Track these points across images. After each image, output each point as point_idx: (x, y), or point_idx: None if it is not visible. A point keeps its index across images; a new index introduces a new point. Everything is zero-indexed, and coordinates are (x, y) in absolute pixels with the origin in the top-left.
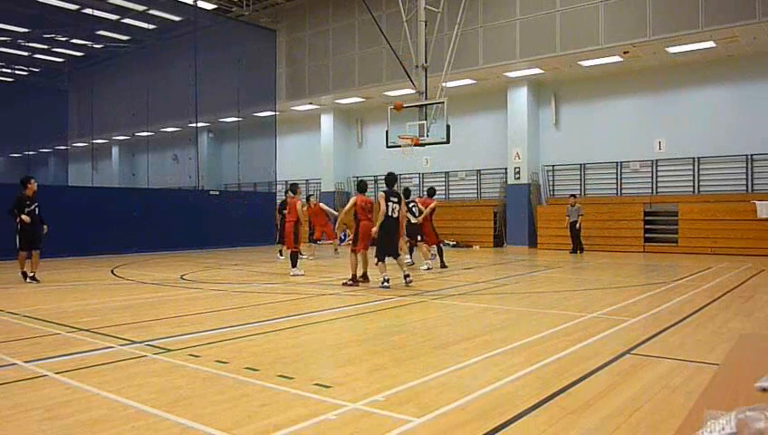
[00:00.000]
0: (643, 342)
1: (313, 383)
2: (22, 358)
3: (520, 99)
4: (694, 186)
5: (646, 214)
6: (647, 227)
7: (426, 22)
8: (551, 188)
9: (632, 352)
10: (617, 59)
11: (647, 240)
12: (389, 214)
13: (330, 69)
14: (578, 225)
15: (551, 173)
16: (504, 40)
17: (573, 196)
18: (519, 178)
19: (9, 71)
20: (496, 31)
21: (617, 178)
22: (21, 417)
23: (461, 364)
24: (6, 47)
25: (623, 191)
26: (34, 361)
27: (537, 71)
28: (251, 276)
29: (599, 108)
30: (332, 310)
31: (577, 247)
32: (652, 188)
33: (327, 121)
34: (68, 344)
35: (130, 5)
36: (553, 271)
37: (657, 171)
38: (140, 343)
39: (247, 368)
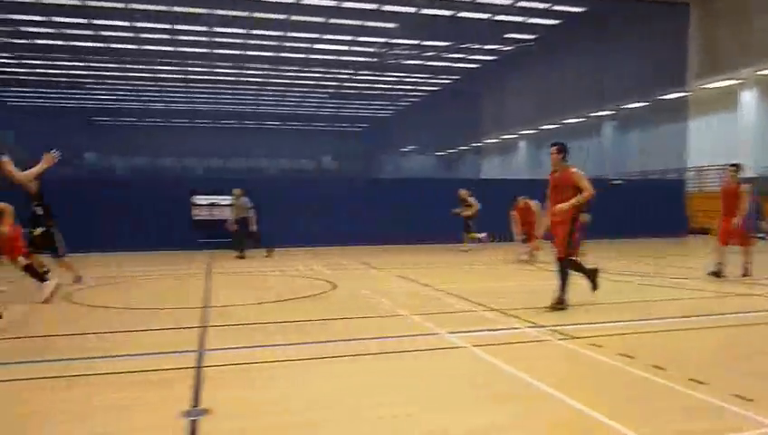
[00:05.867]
0: None
1: (732, 394)
2: (445, 329)
3: None
4: None
5: None
6: None
7: None
8: None
9: None
10: None
11: None
12: None
13: (752, 35)
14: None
15: None
16: None
17: None
18: None
19: (436, 81)
20: None
21: None
22: (448, 382)
23: None
24: (432, 60)
25: None
26: (455, 332)
27: None
28: (663, 268)
29: None
30: (735, 315)
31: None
32: None
33: (749, 98)
34: (482, 320)
35: (535, 5)
36: None
37: None
38: (543, 327)
39: (653, 365)
